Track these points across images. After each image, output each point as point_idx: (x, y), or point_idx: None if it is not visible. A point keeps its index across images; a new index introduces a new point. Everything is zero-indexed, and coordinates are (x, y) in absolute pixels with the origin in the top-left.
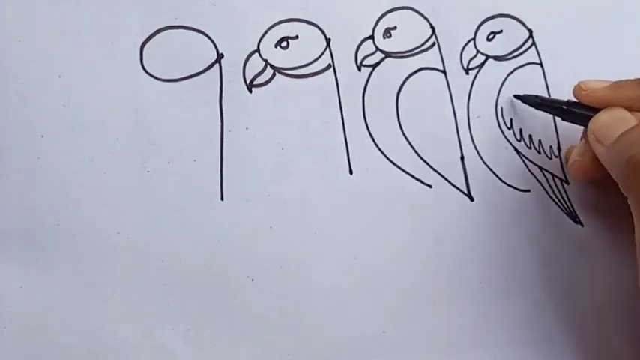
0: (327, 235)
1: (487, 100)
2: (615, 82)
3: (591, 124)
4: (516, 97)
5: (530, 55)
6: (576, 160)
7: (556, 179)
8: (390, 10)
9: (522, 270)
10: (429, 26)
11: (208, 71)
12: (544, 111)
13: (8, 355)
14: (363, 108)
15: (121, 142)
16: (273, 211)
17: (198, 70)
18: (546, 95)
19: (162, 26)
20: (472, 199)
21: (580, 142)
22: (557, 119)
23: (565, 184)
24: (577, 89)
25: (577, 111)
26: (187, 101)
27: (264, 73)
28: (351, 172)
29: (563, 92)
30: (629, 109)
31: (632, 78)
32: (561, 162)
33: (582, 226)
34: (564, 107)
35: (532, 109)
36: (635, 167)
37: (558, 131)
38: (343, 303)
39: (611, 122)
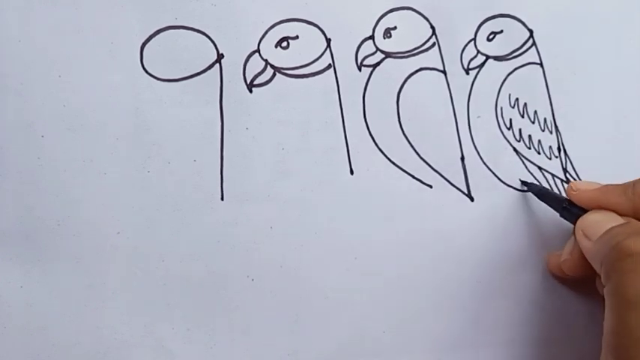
0: (327, 235)
1: (487, 100)
2: (603, 187)
3: (580, 221)
4: (523, 182)
5: (531, 55)
6: (567, 258)
7: (556, 179)
8: (390, 10)
9: (521, 270)
10: (429, 26)
11: (208, 71)
12: (545, 202)
13: (8, 355)
14: (363, 108)
15: (121, 142)
16: (273, 211)
17: (198, 70)
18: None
19: (162, 26)
20: (472, 199)
21: (569, 240)
22: (558, 121)
23: (564, 184)
24: (568, 189)
25: (571, 209)
26: (187, 101)
27: (264, 73)
28: (351, 172)
29: (563, 92)
30: (616, 213)
31: (619, 183)
32: (561, 162)
33: None
34: (563, 205)
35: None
36: (621, 251)
37: (559, 131)
38: (343, 303)
39: (600, 219)
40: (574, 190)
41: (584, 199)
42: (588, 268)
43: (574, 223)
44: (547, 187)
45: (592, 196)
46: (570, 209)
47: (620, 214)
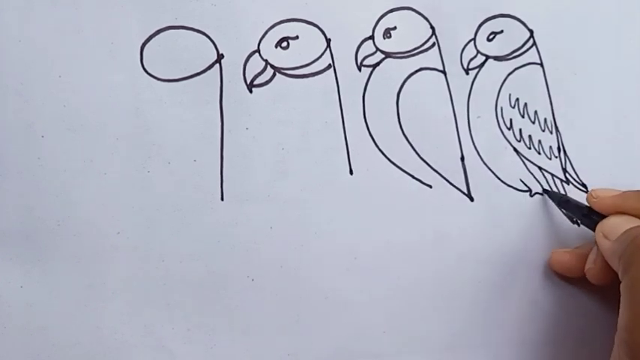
0: (327, 235)
1: (487, 100)
2: (623, 193)
3: (600, 224)
4: (544, 190)
5: (531, 55)
6: (591, 267)
7: (556, 179)
8: (390, 10)
9: (521, 270)
10: (429, 26)
11: (208, 71)
12: (565, 209)
13: (8, 355)
14: (363, 108)
15: (121, 142)
16: (273, 211)
17: (198, 70)
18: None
19: (162, 26)
20: (472, 199)
21: (592, 249)
22: (558, 121)
23: (564, 184)
24: (589, 197)
25: (591, 216)
26: (187, 101)
27: (264, 73)
28: (351, 172)
29: (563, 92)
30: (636, 218)
31: (638, 190)
32: (561, 162)
33: (579, 225)
34: (583, 212)
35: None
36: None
37: (559, 131)
38: (343, 303)
39: (620, 222)
40: (594, 198)
41: (605, 205)
42: (611, 276)
43: (594, 229)
44: (547, 187)
45: (612, 202)
46: (590, 216)
47: None
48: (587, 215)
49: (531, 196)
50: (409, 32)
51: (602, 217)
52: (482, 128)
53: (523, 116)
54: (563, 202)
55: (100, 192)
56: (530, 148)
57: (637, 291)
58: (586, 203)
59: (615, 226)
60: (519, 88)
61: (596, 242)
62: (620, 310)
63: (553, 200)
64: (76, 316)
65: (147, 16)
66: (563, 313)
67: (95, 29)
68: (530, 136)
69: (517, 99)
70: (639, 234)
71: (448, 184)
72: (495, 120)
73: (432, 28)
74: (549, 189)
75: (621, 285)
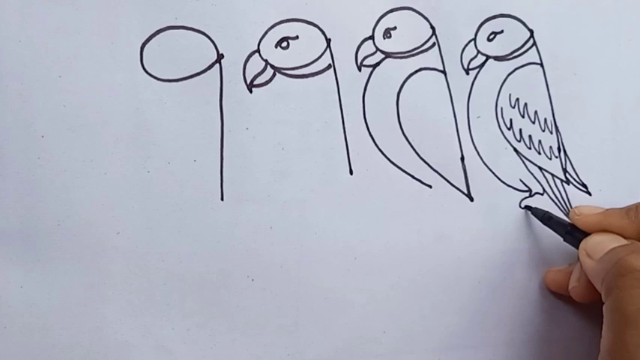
0: (327, 235)
1: (487, 100)
2: (606, 210)
3: (584, 242)
4: (527, 207)
5: (531, 56)
6: (575, 285)
7: (556, 179)
8: (390, 10)
9: (521, 270)
10: (429, 26)
11: (208, 71)
12: (549, 227)
13: (8, 355)
14: (363, 108)
15: (121, 142)
16: (273, 211)
17: (198, 70)
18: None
19: (162, 26)
20: (472, 199)
21: (575, 268)
22: (558, 121)
23: (565, 185)
24: (571, 214)
25: (574, 233)
26: (187, 101)
27: (264, 73)
28: (351, 172)
29: (563, 92)
30: (619, 236)
31: (621, 207)
32: (561, 162)
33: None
34: (567, 230)
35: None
36: (623, 267)
37: (559, 131)
38: (343, 303)
39: (603, 240)
40: (577, 215)
41: (588, 223)
42: (596, 295)
43: (577, 247)
44: (547, 187)
45: (595, 220)
46: (573, 233)
47: (624, 237)
48: (571, 232)
49: (531, 196)
50: (409, 32)
51: (586, 234)
52: (482, 128)
53: (523, 116)
54: (545, 219)
55: (100, 192)
56: (530, 148)
57: (620, 315)
58: (569, 219)
59: (598, 244)
60: (519, 88)
61: (579, 260)
62: (603, 332)
63: (536, 217)
64: (76, 316)
65: (147, 16)
66: (563, 313)
67: (95, 29)
68: (530, 136)
69: (517, 99)
70: (622, 256)
71: (448, 184)
72: (495, 120)
73: (432, 28)
74: (530, 206)
75: (604, 307)
